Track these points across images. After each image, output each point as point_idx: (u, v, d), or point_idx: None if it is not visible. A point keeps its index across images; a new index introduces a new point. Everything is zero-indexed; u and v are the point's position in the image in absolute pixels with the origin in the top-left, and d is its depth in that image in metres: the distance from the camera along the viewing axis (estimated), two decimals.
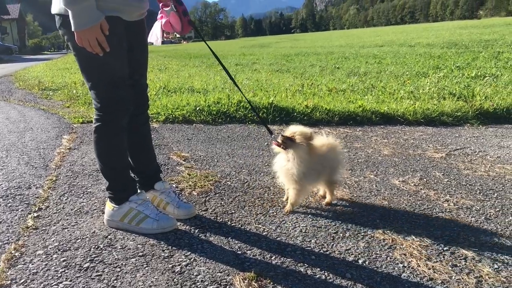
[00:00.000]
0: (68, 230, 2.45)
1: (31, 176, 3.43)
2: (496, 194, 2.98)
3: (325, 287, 1.88)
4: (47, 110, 6.71)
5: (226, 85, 8.55)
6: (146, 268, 2.03)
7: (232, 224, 2.54)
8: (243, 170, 3.56)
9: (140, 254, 2.16)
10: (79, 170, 3.58)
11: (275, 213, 2.68)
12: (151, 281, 1.92)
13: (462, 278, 1.94)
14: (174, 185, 3.17)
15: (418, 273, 1.99)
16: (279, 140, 2.58)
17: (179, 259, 2.11)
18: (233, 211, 2.72)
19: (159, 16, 2.60)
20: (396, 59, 13.90)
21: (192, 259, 2.11)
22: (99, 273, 1.99)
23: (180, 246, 2.25)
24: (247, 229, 2.47)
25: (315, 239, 2.33)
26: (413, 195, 2.99)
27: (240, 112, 5.62)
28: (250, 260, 2.11)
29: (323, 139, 2.77)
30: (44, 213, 2.71)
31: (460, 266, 2.04)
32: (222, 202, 2.87)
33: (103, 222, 2.53)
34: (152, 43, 2.67)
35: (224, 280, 1.93)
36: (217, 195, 3.01)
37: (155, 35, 2.62)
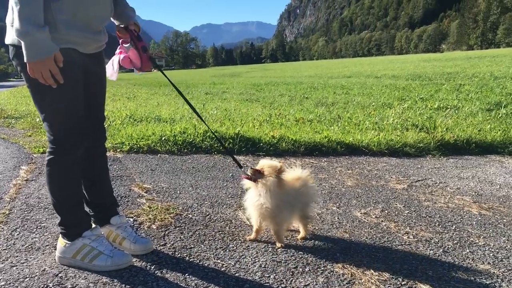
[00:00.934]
0: (17, 268, 2.33)
1: None
2: (454, 226, 3.02)
3: None
4: (7, 139, 6.51)
5: (193, 114, 8.51)
6: None
7: (191, 260, 2.47)
8: (206, 202, 3.50)
9: None
10: (34, 203, 3.44)
11: (235, 247, 2.63)
12: None
13: None
14: (132, 219, 3.09)
15: None
16: (249, 173, 2.55)
17: None
18: (192, 246, 2.66)
19: (117, 51, 2.57)
20: (363, 90, 14.25)
21: None
22: None
23: (135, 283, 2.17)
24: (206, 264, 2.41)
25: (274, 274, 2.29)
26: (374, 227, 2.99)
27: (206, 142, 5.58)
28: None
29: (295, 172, 2.75)
30: None
31: None
32: (182, 236, 2.80)
33: (55, 259, 2.42)
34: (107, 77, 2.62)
35: None
36: (177, 228, 2.94)
37: (110, 69, 2.58)
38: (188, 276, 2.26)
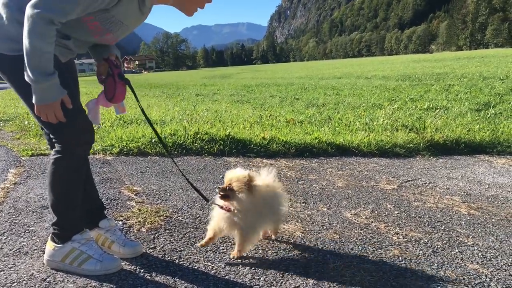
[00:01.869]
0: (4, 273, 2.31)
1: None
2: (443, 226, 3.03)
3: None
4: None
5: (184, 116, 8.51)
6: None
7: (180, 263, 2.46)
8: (196, 205, 3.49)
9: None
10: (22, 206, 3.41)
11: (225, 250, 2.62)
12: None
13: None
14: (122, 222, 3.07)
15: None
16: (219, 196, 2.43)
17: None
18: (182, 249, 2.65)
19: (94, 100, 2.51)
20: (354, 90, 14.30)
21: None
22: None
23: (124, 287, 2.15)
24: (196, 267, 2.40)
25: (265, 276, 2.29)
26: (364, 228, 3.00)
27: (196, 144, 5.57)
28: None
29: (263, 180, 2.58)
30: None
31: None
32: (172, 239, 2.79)
33: (43, 263, 2.39)
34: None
35: None
36: (167, 231, 2.92)
37: (92, 117, 2.48)
38: (177, 280, 2.25)
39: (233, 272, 2.33)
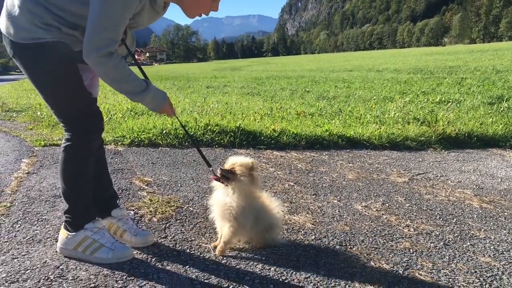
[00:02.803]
0: (18, 260, 2.34)
1: None
2: (455, 219, 3.02)
3: None
4: (9, 133, 6.51)
5: (195, 108, 8.52)
6: None
7: (191, 252, 2.47)
8: (207, 195, 3.50)
9: (92, 285, 2.07)
10: (35, 195, 3.45)
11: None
12: None
13: None
14: (133, 212, 3.09)
15: None
16: (218, 174, 2.40)
17: None
18: (193, 238, 2.66)
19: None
20: (365, 83, 14.21)
21: None
22: None
23: (135, 276, 2.18)
24: (206, 257, 2.41)
25: (275, 267, 2.29)
26: (375, 220, 2.99)
27: (207, 136, 5.58)
28: None
29: (269, 200, 2.57)
30: None
31: None
32: (183, 229, 2.81)
33: (56, 251, 2.42)
34: None
35: None
36: (178, 221, 2.94)
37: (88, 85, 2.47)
38: (189, 268, 2.26)
39: (243, 263, 2.34)
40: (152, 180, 3.93)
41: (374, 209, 3.22)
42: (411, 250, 2.52)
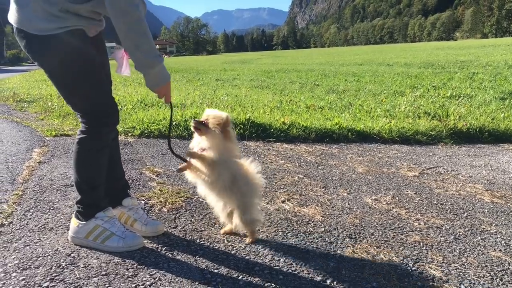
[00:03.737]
0: (30, 248, 2.37)
1: None
2: (466, 214, 3.00)
3: None
4: (20, 123, 6.57)
5: (204, 100, 8.53)
6: None
7: (201, 242, 2.49)
8: None
9: (103, 273, 2.09)
10: (47, 184, 3.48)
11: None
12: None
13: None
14: (144, 201, 3.11)
15: None
16: (192, 125, 2.38)
17: (143, 279, 2.04)
18: (202, 229, 2.68)
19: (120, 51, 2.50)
20: (375, 77, 14.12)
21: (157, 279, 2.05)
22: None
23: (146, 264, 2.19)
24: (216, 247, 2.43)
25: (285, 258, 2.30)
26: (385, 213, 2.98)
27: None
28: (217, 279, 2.06)
29: (247, 164, 2.54)
30: (7, 229, 2.62)
31: (427, 286, 2.03)
32: (192, 219, 2.82)
33: (67, 239, 2.45)
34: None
35: None
36: (188, 211, 2.95)
37: (124, 67, 2.50)
38: (198, 258, 2.28)
39: (253, 253, 2.35)
40: (162, 171, 3.95)
41: (384, 203, 3.21)
42: (421, 243, 2.51)
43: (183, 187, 3.46)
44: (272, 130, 5.56)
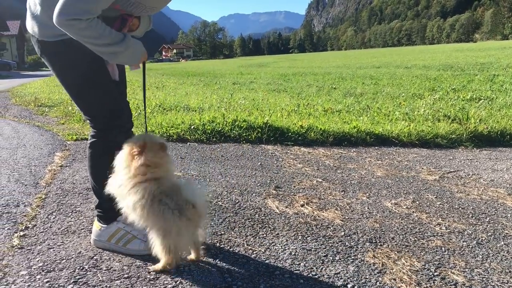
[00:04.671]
0: (54, 250, 2.41)
1: (20, 193, 3.39)
2: (488, 218, 2.95)
3: None
4: (42, 127, 6.69)
5: (222, 104, 8.57)
6: None
7: (221, 246, 2.50)
8: (235, 190, 3.53)
9: (126, 276, 2.12)
10: (69, 188, 3.54)
11: (265, 235, 2.65)
12: None
13: None
14: None
15: None
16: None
17: (165, 282, 2.07)
18: (222, 232, 2.69)
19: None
20: (393, 80, 14.01)
21: (178, 282, 2.07)
22: None
23: None
24: (236, 251, 2.44)
25: (305, 262, 2.30)
26: (405, 218, 2.96)
27: (234, 131, 5.61)
28: (238, 283, 2.07)
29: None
30: (31, 232, 2.67)
31: None
32: (212, 223, 2.84)
33: (90, 242, 2.49)
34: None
35: None
36: (208, 215, 2.97)
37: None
38: (219, 262, 2.29)
39: (273, 257, 2.35)
40: (181, 174, 3.98)
41: (404, 207, 3.18)
42: (443, 248, 2.48)
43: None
44: (290, 133, 5.56)
